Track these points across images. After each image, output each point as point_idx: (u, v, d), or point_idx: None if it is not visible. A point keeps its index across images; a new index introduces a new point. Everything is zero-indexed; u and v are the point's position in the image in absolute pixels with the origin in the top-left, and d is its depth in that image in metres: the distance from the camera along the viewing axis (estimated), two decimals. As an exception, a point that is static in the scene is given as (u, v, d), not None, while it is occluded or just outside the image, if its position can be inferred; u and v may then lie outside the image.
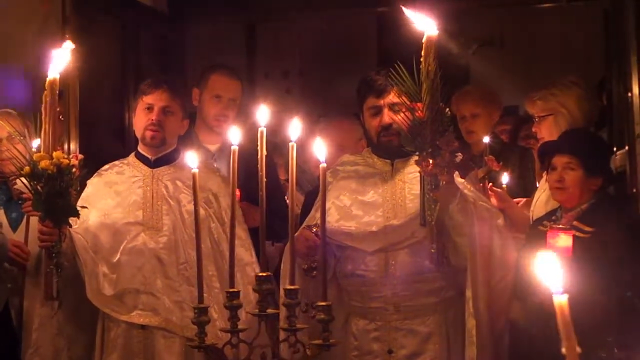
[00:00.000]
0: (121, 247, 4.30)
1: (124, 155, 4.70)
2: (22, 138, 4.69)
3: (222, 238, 4.36)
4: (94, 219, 4.37)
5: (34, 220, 4.54)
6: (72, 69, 4.27)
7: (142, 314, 4.24)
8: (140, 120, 4.46)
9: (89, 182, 4.52)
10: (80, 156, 3.98)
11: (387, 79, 3.83)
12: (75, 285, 4.20)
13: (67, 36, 5.26)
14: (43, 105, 3.78)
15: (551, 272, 1.58)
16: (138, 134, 4.50)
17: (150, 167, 4.47)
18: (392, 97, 3.93)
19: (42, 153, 3.84)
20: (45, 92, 3.75)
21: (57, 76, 3.73)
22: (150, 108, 4.43)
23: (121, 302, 4.26)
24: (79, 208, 4.08)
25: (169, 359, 4.19)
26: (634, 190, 4.93)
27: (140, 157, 4.53)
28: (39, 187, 3.88)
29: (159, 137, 4.43)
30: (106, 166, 4.61)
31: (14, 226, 4.70)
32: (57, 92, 3.76)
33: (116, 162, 4.61)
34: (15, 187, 4.59)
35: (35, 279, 4.66)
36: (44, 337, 4.33)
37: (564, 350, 1.58)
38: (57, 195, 3.88)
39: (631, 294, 3.71)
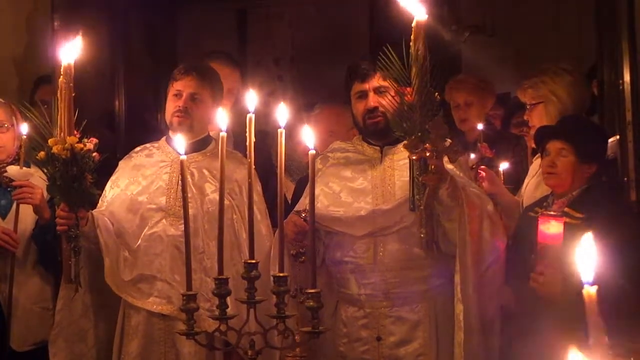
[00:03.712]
0: (142, 233, 4.29)
1: (114, 142, 4.67)
2: (9, 126, 4.69)
3: (243, 231, 4.31)
4: (120, 203, 4.37)
5: (24, 207, 4.55)
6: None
7: (158, 301, 4.23)
8: (169, 106, 4.43)
9: (120, 163, 4.56)
10: (95, 140, 3.96)
11: (372, 63, 3.88)
12: (101, 268, 4.21)
13: (56, 23, 5.25)
14: (59, 91, 3.77)
15: (585, 263, 1.58)
16: (167, 120, 4.48)
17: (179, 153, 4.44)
18: (376, 81, 3.97)
19: (56, 138, 3.83)
20: (61, 78, 3.73)
21: (72, 62, 3.72)
22: (179, 94, 4.39)
23: (137, 288, 4.25)
24: (98, 192, 4.13)
25: (190, 347, 4.15)
26: (625, 178, 4.93)
27: (170, 143, 4.48)
28: (54, 172, 3.87)
29: (186, 124, 4.37)
30: (138, 148, 4.61)
31: (3, 213, 4.69)
32: (72, 78, 3.74)
33: (147, 145, 4.59)
34: (5, 174, 4.59)
35: (24, 267, 4.67)
36: (68, 319, 4.32)
37: (591, 341, 1.57)
38: (73, 180, 3.88)
39: (622, 281, 3.71)
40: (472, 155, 4.88)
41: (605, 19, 5.38)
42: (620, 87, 5.03)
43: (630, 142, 4.93)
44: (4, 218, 4.65)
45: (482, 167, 4.70)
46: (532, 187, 4.58)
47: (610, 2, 5.25)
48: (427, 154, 3.43)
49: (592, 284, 1.58)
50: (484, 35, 8.71)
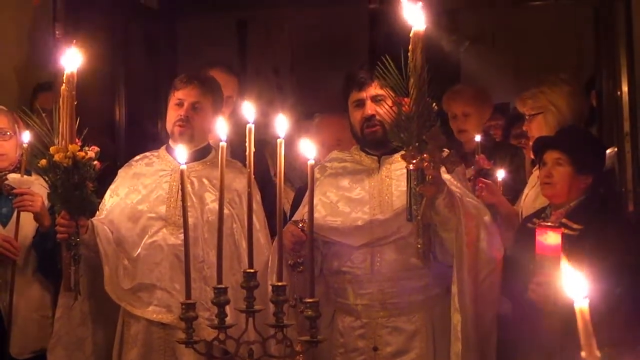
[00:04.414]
0: (142, 242, 4.30)
1: (114, 151, 4.68)
2: (12, 134, 4.71)
3: (243, 240, 4.31)
4: (120, 211, 4.38)
5: (24, 215, 4.56)
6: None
7: (157, 310, 4.23)
8: (171, 115, 4.44)
9: (119, 171, 4.57)
10: (96, 148, 3.99)
11: (369, 72, 3.94)
12: (100, 277, 4.22)
13: (58, 32, 5.27)
14: (61, 99, 3.79)
15: (572, 278, 1.60)
16: (168, 129, 4.49)
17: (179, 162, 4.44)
18: (373, 89, 4.00)
19: (58, 146, 3.85)
20: (64, 86, 3.75)
21: (75, 71, 3.74)
22: (180, 103, 4.40)
23: (137, 296, 4.26)
24: (98, 201, 4.15)
25: (189, 356, 4.15)
26: (623, 189, 4.95)
27: (170, 152, 4.49)
28: (55, 180, 3.90)
29: (187, 134, 4.39)
30: (137, 157, 4.62)
31: (4, 221, 4.70)
32: (75, 86, 3.76)
33: (147, 154, 4.61)
34: (6, 182, 4.60)
35: (24, 274, 4.68)
36: (66, 327, 4.33)
37: (583, 354, 1.59)
38: (74, 188, 3.90)
39: (620, 291, 3.72)
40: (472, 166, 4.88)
41: (604, 31, 5.41)
42: (618, 98, 5.05)
43: (628, 152, 4.95)
44: (4, 226, 4.66)
45: (481, 178, 4.70)
46: (531, 197, 4.59)
47: (608, 14, 5.27)
48: (425, 165, 3.44)
49: (585, 297, 1.59)
50: (484, 45, 8.73)
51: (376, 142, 4.06)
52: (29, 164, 4.52)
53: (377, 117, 3.97)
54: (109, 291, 4.20)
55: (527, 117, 4.76)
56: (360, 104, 4.06)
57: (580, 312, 1.58)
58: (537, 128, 4.66)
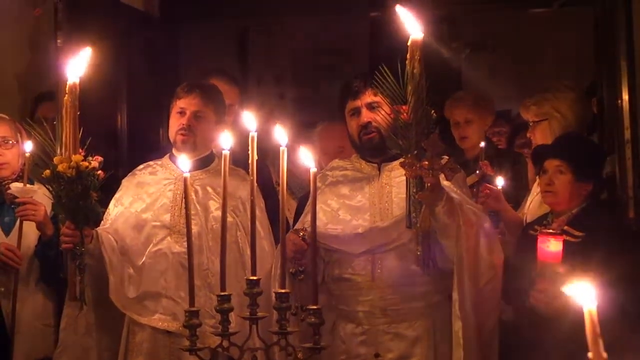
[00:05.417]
0: (147, 250, 4.31)
1: (116, 160, 4.68)
2: (14, 143, 4.72)
3: (248, 248, 4.27)
4: (124, 220, 4.39)
5: (27, 224, 4.56)
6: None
7: (163, 318, 4.24)
8: (173, 124, 4.46)
9: (123, 180, 4.59)
10: (100, 158, 3.99)
11: (363, 80, 3.98)
12: (105, 286, 4.22)
13: (59, 41, 5.28)
14: (64, 109, 3.79)
15: (578, 284, 1.61)
16: (171, 138, 4.51)
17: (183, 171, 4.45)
18: (368, 97, 4.02)
19: (62, 156, 3.85)
20: (66, 96, 3.76)
21: (77, 80, 3.74)
22: (182, 112, 4.42)
23: (143, 305, 4.26)
24: (102, 210, 4.17)
25: None
26: (624, 195, 4.95)
27: (174, 160, 4.52)
28: (59, 190, 3.90)
29: (190, 142, 4.41)
30: (141, 166, 4.64)
31: (7, 230, 4.71)
32: (77, 96, 3.77)
33: (150, 163, 4.63)
34: (9, 191, 4.60)
35: (27, 283, 4.69)
36: (71, 337, 4.33)
37: (590, 355, 1.60)
38: (78, 198, 3.90)
39: (622, 300, 3.72)
40: (477, 171, 4.87)
41: (604, 39, 5.41)
42: (619, 105, 5.05)
43: (629, 159, 4.95)
44: (7, 235, 4.67)
45: (486, 184, 4.70)
46: (536, 204, 4.59)
47: (608, 22, 5.27)
48: (423, 172, 3.45)
49: (594, 300, 1.61)
50: (485, 52, 8.75)
51: (374, 149, 4.07)
52: (31, 173, 4.52)
53: (374, 123, 3.99)
54: (114, 300, 4.20)
55: (531, 124, 4.77)
56: (356, 112, 4.07)
57: (589, 315, 1.59)
58: (542, 135, 4.67)
